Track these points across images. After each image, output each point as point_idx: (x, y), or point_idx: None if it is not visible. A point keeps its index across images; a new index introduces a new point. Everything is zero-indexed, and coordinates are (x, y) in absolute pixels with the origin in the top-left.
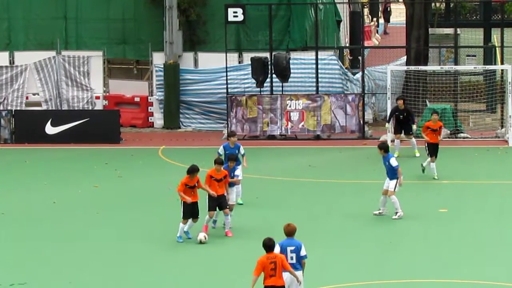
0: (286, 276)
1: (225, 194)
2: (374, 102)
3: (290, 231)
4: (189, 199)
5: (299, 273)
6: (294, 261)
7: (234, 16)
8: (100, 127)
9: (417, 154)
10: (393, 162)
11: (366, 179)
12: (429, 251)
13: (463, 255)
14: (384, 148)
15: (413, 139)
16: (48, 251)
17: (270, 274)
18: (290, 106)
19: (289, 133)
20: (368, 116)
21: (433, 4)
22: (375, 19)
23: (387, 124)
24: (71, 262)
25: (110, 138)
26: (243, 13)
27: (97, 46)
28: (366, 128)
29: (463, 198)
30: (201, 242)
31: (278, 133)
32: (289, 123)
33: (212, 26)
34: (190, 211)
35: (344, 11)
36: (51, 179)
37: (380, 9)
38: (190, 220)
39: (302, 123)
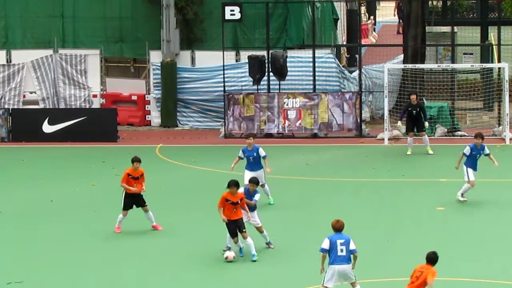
0: None
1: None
2: (371, 100)
3: (339, 227)
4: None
5: (349, 266)
6: (344, 253)
7: (231, 15)
8: (97, 126)
9: (430, 152)
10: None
11: (364, 177)
12: (426, 249)
13: (460, 253)
14: (482, 136)
15: (425, 136)
16: (45, 249)
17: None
18: (287, 104)
19: (286, 131)
20: (365, 114)
21: (430, 2)
22: (372, 17)
23: (399, 122)
24: (68, 260)
25: (107, 136)
26: (240, 11)
27: (94, 45)
28: (363, 126)
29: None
30: None
31: (275, 132)
32: (286, 121)
33: (209, 24)
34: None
35: (341, 9)
36: (48, 178)
37: (395, 8)
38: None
39: (299, 121)
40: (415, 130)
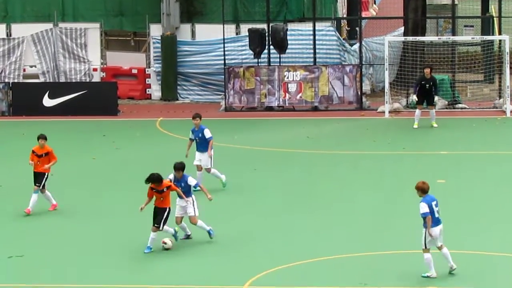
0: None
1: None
2: (371, 73)
3: (427, 188)
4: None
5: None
6: (438, 215)
7: None
8: (97, 99)
9: (435, 125)
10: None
11: (364, 150)
12: None
13: (460, 226)
14: None
15: (433, 110)
16: (45, 223)
17: None
18: (287, 78)
19: (286, 105)
20: (366, 87)
21: None
22: None
23: (414, 96)
24: (69, 234)
25: (107, 110)
26: None
27: (94, 18)
28: (363, 99)
29: (461, 169)
30: None
31: (276, 105)
32: (287, 94)
33: None
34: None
35: None
36: None
37: None
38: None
39: (300, 94)
40: (425, 103)
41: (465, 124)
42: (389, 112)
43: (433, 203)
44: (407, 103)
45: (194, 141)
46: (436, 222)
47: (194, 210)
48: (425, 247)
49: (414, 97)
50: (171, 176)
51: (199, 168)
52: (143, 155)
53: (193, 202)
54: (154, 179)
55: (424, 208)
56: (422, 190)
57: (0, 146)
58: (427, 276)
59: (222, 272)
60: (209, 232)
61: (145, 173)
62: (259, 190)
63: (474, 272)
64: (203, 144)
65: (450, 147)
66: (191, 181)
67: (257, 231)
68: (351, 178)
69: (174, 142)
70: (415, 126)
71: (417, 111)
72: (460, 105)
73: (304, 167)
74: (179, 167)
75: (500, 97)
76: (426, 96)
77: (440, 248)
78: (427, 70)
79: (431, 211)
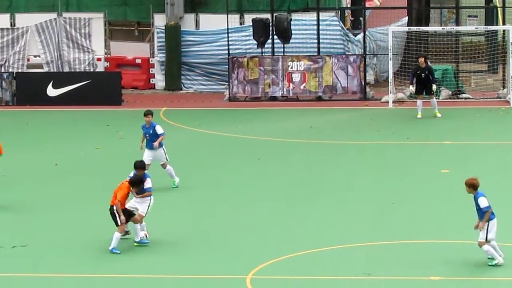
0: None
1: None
2: (375, 63)
3: (479, 184)
4: None
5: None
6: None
7: None
8: (101, 89)
9: (439, 115)
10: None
11: (368, 140)
12: (430, 212)
13: (464, 216)
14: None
15: (434, 99)
16: (49, 213)
17: None
18: (291, 67)
19: (290, 94)
20: (370, 77)
21: None
22: None
23: (411, 86)
24: (72, 224)
25: (111, 100)
26: None
27: (98, 8)
28: (367, 89)
29: (465, 159)
30: None
31: (280, 95)
32: (291, 84)
33: None
34: None
35: None
36: (53, 141)
37: None
38: None
39: (304, 84)
40: (424, 93)
41: (469, 114)
42: (393, 102)
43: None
44: (410, 93)
45: (145, 138)
46: (494, 214)
47: (147, 210)
48: (486, 239)
49: (411, 88)
50: (131, 174)
51: (148, 167)
52: None
53: (150, 202)
54: (138, 182)
55: (485, 201)
56: (474, 186)
57: (4, 136)
58: (495, 264)
59: (225, 263)
60: (141, 241)
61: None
62: (262, 180)
63: (479, 262)
64: (154, 141)
65: (454, 137)
66: (148, 182)
67: (260, 221)
68: (354, 168)
69: (178, 132)
70: (419, 116)
71: (418, 101)
72: (464, 95)
73: (307, 157)
74: (140, 166)
75: (504, 87)
76: (423, 85)
77: (490, 241)
78: (421, 60)
79: (489, 204)
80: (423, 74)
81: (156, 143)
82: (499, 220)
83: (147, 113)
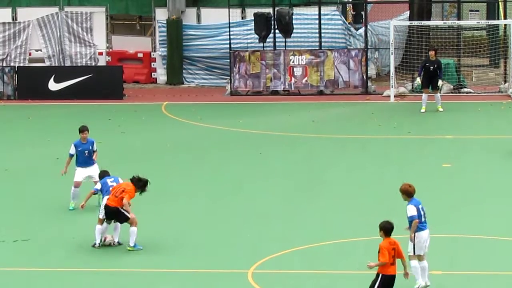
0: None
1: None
2: (377, 57)
3: (413, 191)
4: None
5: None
6: (425, 218)
7: None
8: (103, 83)
9: (441, 109)
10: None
11: (370, 134)
12: (433, 207)
13: (466, 210)
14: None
15: (438, 94)
16: (51, 207)
17: (391, 262)
18: (293, 62)
19: (292, 89)
20: (371, 71)
21: None
22: None
23: (418, 78)
24: (74, 218)
25: (113, 94)
26: None
27: (99, 2)
28: (369, 83)
29: (466, 153)
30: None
31: (281, 89)
32: (292, 78)
33: None
34: None
35: None
36: (54, 136)
37: None
38: None
39: (305, 78)
40: (430, 87)
41: (471, 109)
42: (395, 96)
43: (420, 207)
44: (412, 88)
45: (76, 156)
46: (424, 226)
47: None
48: (413, 253)
49: (418, 80)
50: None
51: (79, 184)
52: (148, 138)
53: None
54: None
55: (412, 210)
56: (408, 193)
57: (6, 130)
58: None
59: (227, 257)
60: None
61: (150, 156)
62: (264, 174)
63: (480, 257)
64: (91, 157)
65: (456, 131)
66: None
67: (262, 215)
68: (356, 162)
69: (180, 126)
70: (423, 110)
71: (424, 95)
72: (465, 90)
73: (309, 151)
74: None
75: (505, 81)
76: (431, 79)
77: (422, 258)
78: (431, 52)
79: (419, 215)
80: (431, 67)
81: (94, 157)
82: (501, 213)
83: (84, 129)
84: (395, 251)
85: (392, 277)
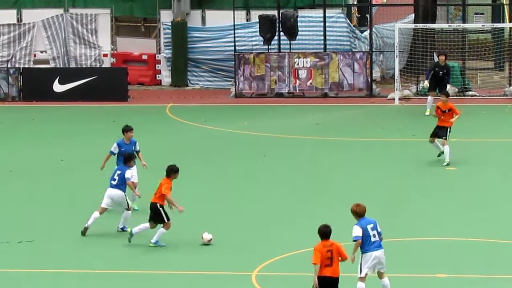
0: None
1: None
2: (382, 60)
3: (361, 211)
4: None
5: (383, 252)
6: (376, 238)
7: None
8: (107, 85)
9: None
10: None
11: (374, 137)
12: (436, 210)
13: (469, 213)
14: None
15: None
16: (55, 209)
17: (326, 264)
18: (298, 64)
19: (297, 91)
20: (376, 74)
21: None
22: None
23: (426, 81)
24: (78, 220)
25: (117, 95)
26: None
27: (104, 4)
28: (374, 86)
29: (470, 156)
30: None
31: (286, 91)
32: (297, 81)
33: None
34: None
35: None
36: (59, 137)
37: None
38: None
39: (310, 81)
40: (437, 90)
41: (475, 112)
42: (399, 99)
43: (369, 226)
44: (417, 90)
45: (118, 156)
46: (374, 246)
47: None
48: (359, 274)
49: (426, 83)
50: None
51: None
52: (153, 141)
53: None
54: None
55: (356, 231)
56: (356, 213)
57: (10, 131)
58: None
59: (231, 259)
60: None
61: (155, 158)
62: (268, 176)
63: (484, 260)
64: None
65: (460, 134)
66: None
67: (266, 217)
68: (360, 165)
69: (184, 128)
70: (427, 113)
71: (429, 98)
72: (470, 93)
73: (313, 153)
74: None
75: (510, 84)
76: (438, 83)
77: (381, 276)
78: (442, 57)
79: (367, 235)
80: (441, 72)
81: (144, 162)
82: (505, 216)
83: (129, 129)
84: (332, 253)
85: (327, 278)
